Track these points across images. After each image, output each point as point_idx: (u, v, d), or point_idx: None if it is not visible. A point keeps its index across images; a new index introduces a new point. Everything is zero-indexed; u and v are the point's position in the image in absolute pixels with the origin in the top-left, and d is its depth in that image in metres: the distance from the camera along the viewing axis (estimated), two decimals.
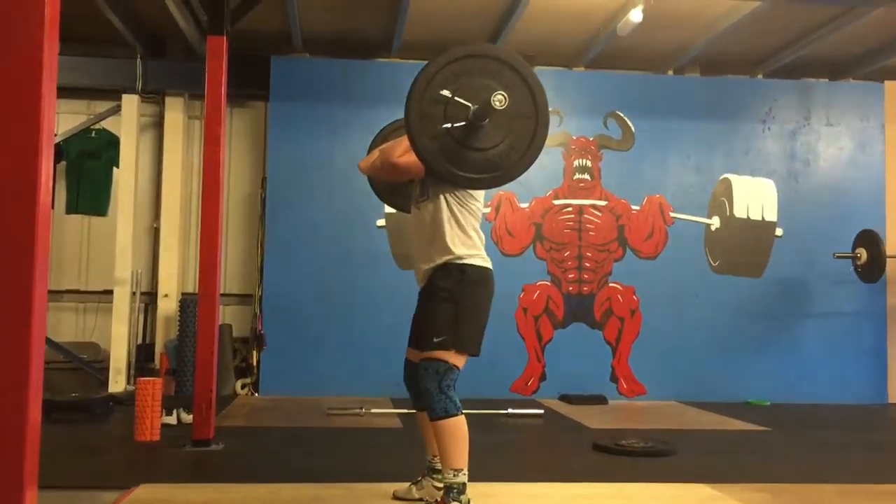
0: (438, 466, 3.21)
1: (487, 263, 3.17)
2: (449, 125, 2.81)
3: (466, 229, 3.13)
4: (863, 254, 6.97)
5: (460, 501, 2.94)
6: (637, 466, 4.22)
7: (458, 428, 2.97)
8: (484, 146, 2.86)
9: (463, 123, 2.81)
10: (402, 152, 3.14)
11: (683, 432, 5.42)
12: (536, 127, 2.89)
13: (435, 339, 3.03)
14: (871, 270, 6.91)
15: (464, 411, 3.02)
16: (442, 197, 3.13)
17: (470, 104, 2.80)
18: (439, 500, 3.01)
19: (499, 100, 2.73)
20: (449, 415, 2.96)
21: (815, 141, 7.56)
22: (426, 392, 3.00)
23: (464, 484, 2.96)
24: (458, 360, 3.05)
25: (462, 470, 2.96)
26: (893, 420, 6.60)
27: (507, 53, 2.99)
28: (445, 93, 2.81)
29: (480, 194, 3.22)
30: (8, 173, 1.94)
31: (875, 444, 5.25)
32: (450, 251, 3.10)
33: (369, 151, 3.55)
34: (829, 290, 7.36)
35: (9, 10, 1.94)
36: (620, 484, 3.78)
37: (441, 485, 3.14)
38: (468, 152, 2.86)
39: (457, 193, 3.13)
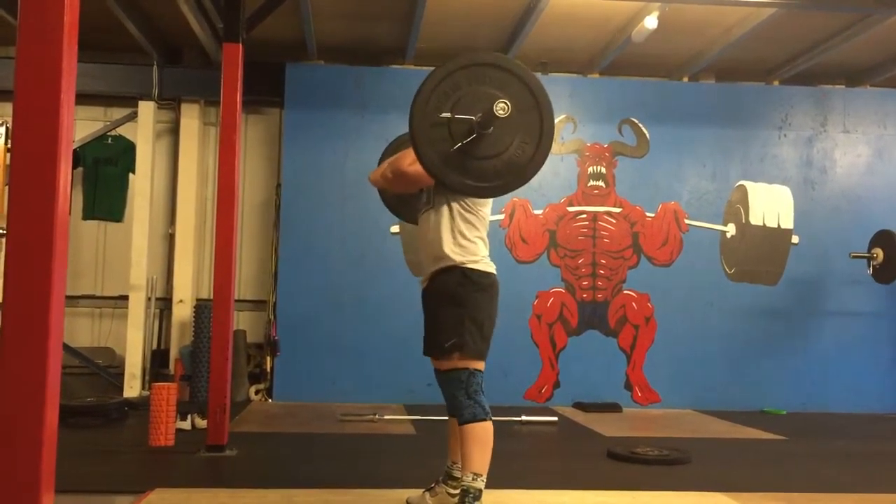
0: (456, 474, 3.21)
1: (491, 268, 3.19)
2: (459, 144, 2.80)
3: (468, 237, 3.14)
4: (879, 254, 6.86)
5: None
6: (651, 475, 4.19)
7: (484, 433, 3.00)
8: (497, 151, 2.86)
9: (472, 137, 2.81)
10: (411, 161, 3.13)
11: (698, 441, 5.39)
12: (541, 115, 2.87)
13: (446, 345, 3.08)
14: (887, 271, 6.78)
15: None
16: (446, 206, 3.15)
17: (472, 117, 2.80)
18: None
19: (501, 108, 2.73)
20: (476, 419, 3.00)
21: (831, 148, 7.51)
22: (454, 399, 3.07)
23: (480, 490, 2.96)
24: (477, 364, 3.09)
25: (482, 476, 2.97)
26: None
27: (490, 55, 3.00)
28: (445, 115, 2.81)
29: (489, 200, 3.24)
30: (27, 179, 1.96)
31: (893, 454, 5.19)
32: (450, 259, 3.12)
33: (380, 164, 3.57)
34: (846, 299, 7.30)
35: (29, 18, 1.97)
36: (635, 492, 3.77)
37: (455, 491, 3.14)
38: (482, 162, 2.86)
39: (465, 201, 3.14)
